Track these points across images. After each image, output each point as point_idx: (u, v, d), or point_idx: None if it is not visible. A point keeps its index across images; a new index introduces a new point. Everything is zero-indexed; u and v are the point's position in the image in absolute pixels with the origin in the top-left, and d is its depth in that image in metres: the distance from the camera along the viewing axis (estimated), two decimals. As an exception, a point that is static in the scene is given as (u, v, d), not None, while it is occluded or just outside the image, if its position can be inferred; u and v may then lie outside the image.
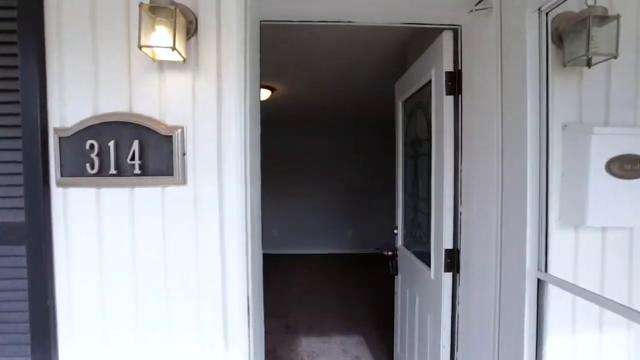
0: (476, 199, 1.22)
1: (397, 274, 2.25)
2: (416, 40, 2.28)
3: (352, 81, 3.37)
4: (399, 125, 2.17)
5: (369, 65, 2.95)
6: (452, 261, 1.45)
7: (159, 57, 0.97)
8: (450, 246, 1.45)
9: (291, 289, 4.17)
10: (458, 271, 1.41)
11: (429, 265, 1.64)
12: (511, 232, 1.01)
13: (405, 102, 2.07)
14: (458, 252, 1.41)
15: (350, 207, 6.18)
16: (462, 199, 1.35)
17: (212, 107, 1.03)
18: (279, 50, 2.60)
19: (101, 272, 1.04)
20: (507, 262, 1.03)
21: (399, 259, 2.20)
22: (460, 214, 1.36)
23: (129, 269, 1.04)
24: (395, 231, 2.25)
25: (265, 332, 3.28)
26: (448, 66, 1.43)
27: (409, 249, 2.02)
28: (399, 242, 2.21)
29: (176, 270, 1.04)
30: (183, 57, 0.97)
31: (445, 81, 1.43)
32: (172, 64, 1.02)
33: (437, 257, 1.51)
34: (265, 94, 3.56)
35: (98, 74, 1.02)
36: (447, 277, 1.46)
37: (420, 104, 1.79)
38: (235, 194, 1.04)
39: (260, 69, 1.39)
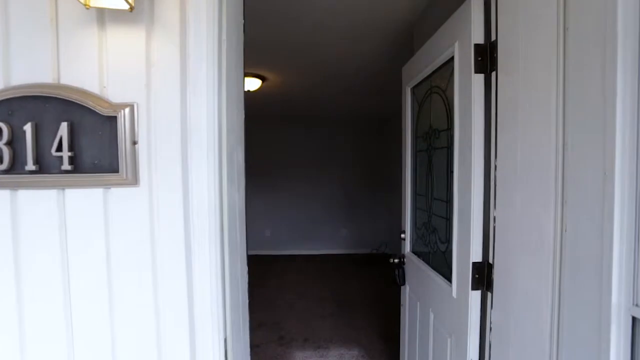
0: (520, 200, 0.96)
1: (404, 284, 1.99)
2: (425, 21, 2.01)
3: (350, 72, 3.09)
4: (407, 115, 1.90)
5: (368, 54, 2.67)
6: (482, 277, 1.18)
7: (95, 3, 0.68)
8: (479, 258, 1.19)
9: (285, 294, 3.89)
10: (490, 289, 1.15)
11: (448, 279, 1.38)
12: (581, 247, 0.75)
13: (415, 88, 1.80)
14: (490, 266, 1.14)
15: (346, 205, 5.92)
16: (496, 201, 1.09)
17: (174, 78, 0.74)
18: (270, 35, 2.30)
19: (19, 309, 0.74)
20: (575, 289, 0.77)
21: (407, 267, 1.93)
22: (494, 219, 1.10)
23: (58, 302, 0.75)
24: (402, 235, 1.98)
25: (256, 345, 3.01)
26: (478, 37, 1.16)
27: (420, 256, 1.76)
28: (407, 248, 1.94)
29: (124, 308, 0.75)
30: (129, 4, 0.67)
31: (475, 56, 1.16)
32: (116, 15, 0.72)
33: (462, 271, 1.25)
34: (255, 84, 3.26)
35: (8, 27, 0.71)
36: (475, 296, 1.20)
37: (436, 88, 1.52)
38: (206, 197, 0.76)
39: (245, 37, 1.10)
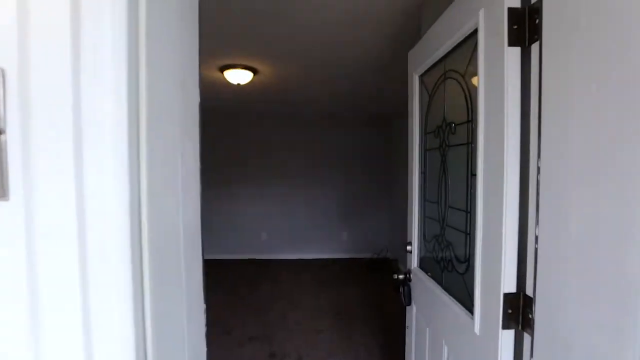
0: (582, 216, 0.69)
1: (409, 304, 1.72)
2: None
3: (349, 64, 2.82)
4: (414, 107, 1.62)
5: (370, 41, 2.39)
6: (516, 312, 0.91)
7: None
8: (512, 288, 0.91)
9: (278, 304, 3.62)
10: (528, 330, 0.88)
11: (468, 308, 1.11)
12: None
13: (425, 75, 1.52)
14: (528, 299, 0.87)
15: (346, 207, 5.64)
16: (539, 214, 0.82)
17: (63, 30, 0.47)
18: (260, 20, 2.03)
19: None
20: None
21: (414, 285, 1.66)
22: (536, 238, 0.83)
23: None
24: (409, 248, 1.71)
25: (243, 366, 2.73)
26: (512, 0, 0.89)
27: (430, 274, 1.48)
28: (414, 262, 1.67)
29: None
30: None
31: (509, 24, 0.88)
32: None
33: (488, 303, 0.98)
34: (245, 76, 2.99)
35: None
36: (507, 336, 0.92)
37: (452, 73, 1.25)
38: (117, 218, 0.48)
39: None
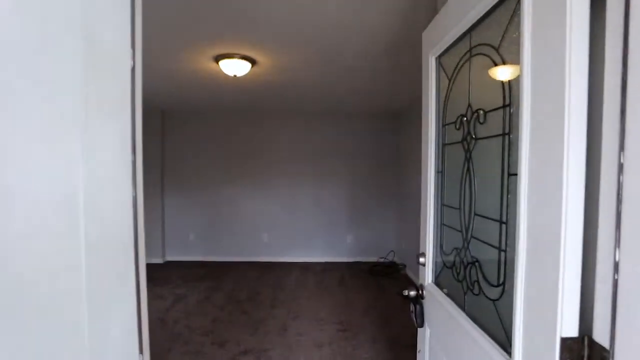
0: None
1: (422, 326, 1.47)
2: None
3: (354, 54, 2.58)
4: (429, 95, 1.37)
5: (378, 27, 2.15)
6: (578, 364, 0.66)
7: None
8: (573, 332, 0.66)
9: (278, 312, 3.39)
10: (597, 392, 0.63)
11: (503, 346, 0.86)
12: None
13: (444, 55, 1.27)
14: (598, 348, 0.63)
15: (351, 208, 5.39)
16: (620, 231, 0.58)
17: None
18: (257, 4, 1.80)
19: None
20: None
21: (428, 304, 1.41)
22: (615, 265, 0.58)
23: None
24: (422, 260, 1.46)
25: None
26: None
27: (448, 293, 1.23)
28: (428, 278, 1.42)
29: None
30: None
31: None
32: None
33: (536, 347, 0.73)
34: (242, 67, 2.76)
35: None
36: (564, 396, 0.67)
37: (482, 47, 1.00)
38: None
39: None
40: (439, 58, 1.33)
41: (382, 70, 3.07)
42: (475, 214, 1.04)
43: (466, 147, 1.09)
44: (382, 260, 5.36)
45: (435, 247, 1.38)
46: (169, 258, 5.28)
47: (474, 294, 1.04)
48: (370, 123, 5.34)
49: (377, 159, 5.38)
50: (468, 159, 1.09)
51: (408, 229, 4.76)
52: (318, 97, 4.16)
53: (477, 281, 1.02)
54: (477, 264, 1.03)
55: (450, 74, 1.23)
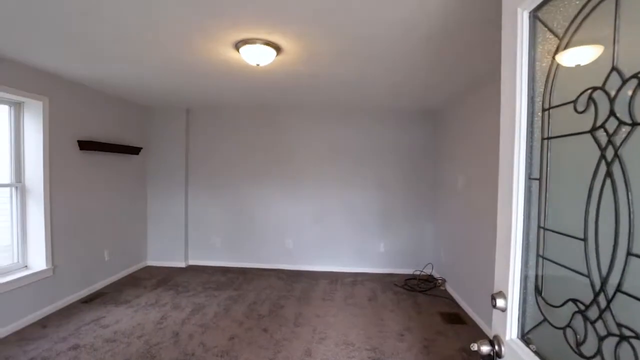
0: None
1: (500, 397, 1.03)
2: None
3: (391, 39, 2.16)
4: (517, 64, 0.95)
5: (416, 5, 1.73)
6: None
7: None
8: None
9: (300, 333, 3.03)
10: None
11: None
12: None
13: (546, 6, 0.85)
14: None
15: (383, 214, 4.94)
16: None
17: None
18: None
19: None
20: None
21: (510, 369, 0.98)
22: None
23: None
24: (499, 303, 1.03)
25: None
26: None
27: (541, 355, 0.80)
28: (510, 330, 0.99)
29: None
30: None
31: None
32: None
33: None
34: (266, 55, 2.43)
35: None
36: None
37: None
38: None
39: None
40: (534, 12, 0.90)
41: (420, 66, 2.63)
42: (631, 254, 0.61)
43: (605, 139, 0.66)
44: (418, 273, 4.86)
45: (524, 288, 0.95)
46: (192, 262, 5.08)
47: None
48: (404, 121, 4.87)
49: (412, 161, 4.89)
50: (608, 160, 0.66)
51: (448, 240, 4.24)
52: (350, 93, 3.77)
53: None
54: (632, 341, 0.60)
55: (563, 31, 0.80)
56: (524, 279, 0.94)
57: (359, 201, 4.94)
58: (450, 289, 4.16)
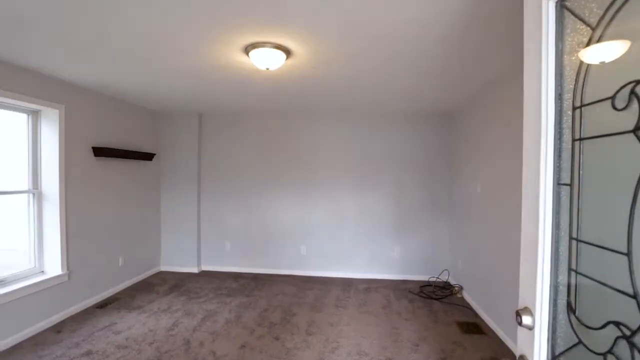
0: None
1: None
2: None
3: (405, 37, 2.09)
4: (543, 59, 0.86)
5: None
6: None
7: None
8: None
9: (313, 339, 2.95)
10: None
11: None
12: None
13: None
14: None
15: (397, 219, 4.83)
16: None
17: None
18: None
19: None
20: None
21: (539, 394, 0.89)
22: None
23: None
24: (525, 321, 0.94)
25: None
26: None
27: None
28: (538, 351, 0.89)
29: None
30: None
31: None
32: None
33: None
34: (275, 59, 2.39)
35: None
36: None
37: None
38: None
39: None
40: (562, 1, 0.82)
41: (436, 65, 2.54)
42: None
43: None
44: (433, 279, 4.71)
45: (554, 305, 0.86)
46: (205, 268, 5.08)
47: None
48: (419, 124, 4.76)
49: (427, 164, 4.78)
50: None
51: (466, 245, 4.10)
52: (363, 96, 3.70)
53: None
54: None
55: (597, 20, 0.72)
56: (554, 294, 0.85)
57: (373, 206, 4.85)
58: (467, 296, 4.01)
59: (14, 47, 2.38)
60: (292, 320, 3.36)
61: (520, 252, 0.99)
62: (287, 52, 2.44)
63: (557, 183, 0.85)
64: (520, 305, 0.98)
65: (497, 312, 3.17)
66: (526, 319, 0.93)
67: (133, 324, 3.20)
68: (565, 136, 0.82)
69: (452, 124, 4.64)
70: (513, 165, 2.84)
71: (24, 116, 3.18)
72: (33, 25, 2.04)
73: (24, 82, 2.89)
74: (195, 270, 4.95)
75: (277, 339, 2.97)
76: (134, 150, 4.31)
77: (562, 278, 0.83)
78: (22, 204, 3.22)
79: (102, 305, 3.64)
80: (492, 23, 1.95)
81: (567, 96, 0.81)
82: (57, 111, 3.23)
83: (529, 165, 0.94)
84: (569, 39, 0.80)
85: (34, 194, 3.25)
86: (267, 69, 2.49)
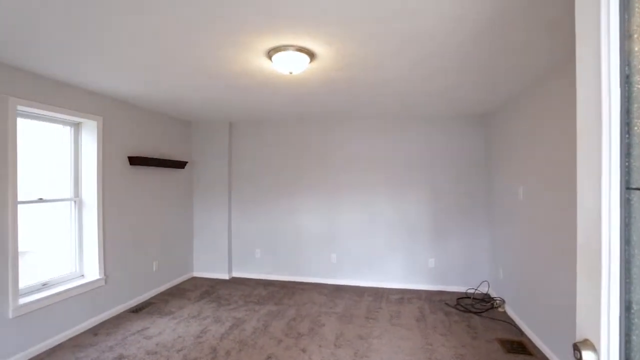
0: None
1: None
2: None
3: (438, 35, 1.94)
4: (602, 47, 0.71)
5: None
6: None
7: None
8: None
9: (342, 352, 2.82)
10: None
11: None
12: None
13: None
14: None
15: (433, 227, 4.58)
16: None
17: None
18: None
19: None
20: None
21: None
22: None
23: None
24: (587, 356, 0.77)
25: None
26: None
27: None
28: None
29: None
30: None
31: None
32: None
33: None
34: (299, 62, 2.33)
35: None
36: None
37: None
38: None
39: None
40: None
41: (473, 63, 2.35)
42: None
43: None
44: (472, 291, 4.40)
45: (627, 341, 0.69)
46: (235, 274, 5.11)
47: None
48: (455, 127, 4.51)
49: (464, 169, 4.50)
50: None
51: (508, 256, 3.78)
52: (392, 98, 3.56)
53: None
54: None
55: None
56: (627, 327, 0.68)
57: (407, 213, 4.64)
58: (510, 311, 3.68)
59: (64, 66, 2.57)
60: (320, 331, 3.25)
61: (576, 264, 0.83)
62: (312, 55, 2.37)
63: (626, 187, 0.69)
64: (579, 337, 0.81)
65: (546, 330, 2.86)
66: (588, 356, 0.76)
67: (164, 329, 3.24)
68: (635, 129, 0.66)
69: (490, 126, 4.34)
70: (563, 169, 2.56)
71: (67, 128, 3.37)
72: (81, 50, 2.13)
73: (69, 96, 3.06)
74: (226, 276, 5.00)
75: (304, 351, 2.87)
76: (167, 158, 4.45)
77: (639, 308, 0.66)
78: (65, 211, 3.40)
79: (137, 310, 3.74)
80: (533, 11, 1.75)
81: (638, 78, 0.65)
82: (95, 122, 3.39)
83: (586, 167, 0.78)
84: (633, 26, 0.65)
85: (75, 201, 3.42)
86: (290, 73, 2.44)
